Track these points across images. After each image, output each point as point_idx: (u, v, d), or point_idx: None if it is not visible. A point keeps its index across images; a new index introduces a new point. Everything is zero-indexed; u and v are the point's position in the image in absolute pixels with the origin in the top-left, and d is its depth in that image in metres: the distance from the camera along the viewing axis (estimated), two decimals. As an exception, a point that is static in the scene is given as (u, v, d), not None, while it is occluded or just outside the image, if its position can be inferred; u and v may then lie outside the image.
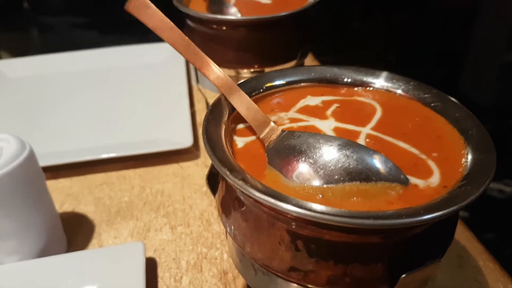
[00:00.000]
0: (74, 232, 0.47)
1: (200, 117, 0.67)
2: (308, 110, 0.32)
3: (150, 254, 0.44)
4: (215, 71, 0.31)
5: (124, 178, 0.55)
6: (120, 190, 0.53)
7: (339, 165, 0.25)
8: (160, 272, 0.42)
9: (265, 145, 0.28)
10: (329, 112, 0.32)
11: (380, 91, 0.34)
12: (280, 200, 0.22)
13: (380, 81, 0.34)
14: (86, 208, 0.51)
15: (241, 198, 0.26)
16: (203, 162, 0.58)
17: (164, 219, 0.49)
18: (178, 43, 0.32)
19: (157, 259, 0.44)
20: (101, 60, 0.81)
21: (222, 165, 0.24)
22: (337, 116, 0.31)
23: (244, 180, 0.23)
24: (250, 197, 0.25)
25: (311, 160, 0.25)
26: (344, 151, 0.25)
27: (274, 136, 0.28)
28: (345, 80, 0.34)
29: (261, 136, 0.29)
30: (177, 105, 0.66)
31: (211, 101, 0.66)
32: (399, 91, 0.33)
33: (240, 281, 0.41)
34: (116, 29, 1.33)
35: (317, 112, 0.32)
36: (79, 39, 1.32)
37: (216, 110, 0.30)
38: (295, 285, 0.26)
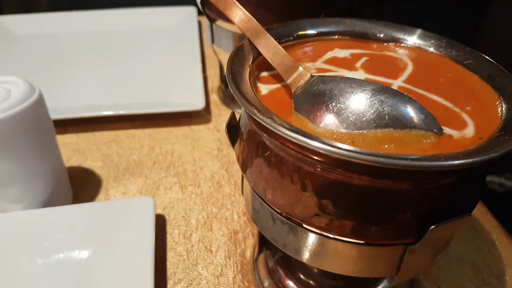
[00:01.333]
0: (80, 187, 0.47)
1: (212, 82, 0.66)
2: (336, 62, 0.31)
3: (159, 211, 0.44)
4: (240, 13, 0.30)
5: (133, 137, 0.54)
6: (129, 148, 0.52)
7: (373, 110, 0.23)
8: (169, 229, 0.42)
9: (292, 91, 0.27)
10: (358, 64, 0.30)
11: (411, 47, 0.32)
12: (311, 138, 0.20)
13: (411, 38, 0.32)
14: (93, 163, 0.50)
15: (266, 142, 0.25)
16: (215, 127, 0.57)
17: (174, 178, 0.48)
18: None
19: (166, 216, 0.43)
20: (112, 21, 0.79)
21: (249, 104, 0.23)
22: (367, 68, 0.30)
23: (272, 119, 0.22)
24: (277, 137, 0.23)
25: (342, 106, 0.24)
26: (378, 96, 0.24)
27: (302, 82, 0.27)
28: (376, 34, 0.33)
29: (288, 81, 0.27)
30: (190, 68, 0.65)
31: (225, 66, 0.65)
32: (431, 48, 0.32)
33: (250, 241, 0.41)
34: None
35: (346, 64, 0.30)
36: (90, 0, 1.29)
37: (240, 53, 0.29)
38: (316, 234, 0.25)
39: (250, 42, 0.30)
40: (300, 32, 0.33)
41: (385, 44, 0.33)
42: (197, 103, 0.56)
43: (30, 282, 0.35)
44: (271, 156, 0.25)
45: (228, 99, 0.62)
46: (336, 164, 0.22)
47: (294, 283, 0.36)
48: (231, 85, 0.25)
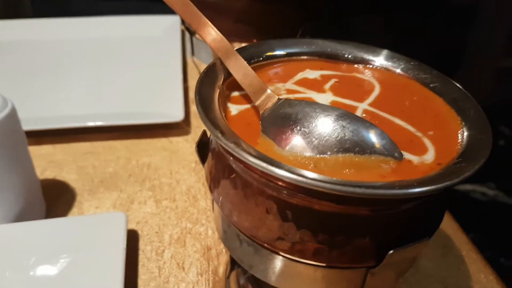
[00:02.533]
0: (54, 200, 0.46)
1: (193, 93, 0.66)
2: (306, 83, 0.31)
3: (132, 226, 0.43)
4: (212, 33, 0.30)
5: (110, 148, 0.54)
6: (105, 160, 0.52)
7: (334, 136, 0.24)
8: (141, 245, 0.41)
9: (260, 113, 0.27)
10: (327, 86, 0.31)
11: (380, 69, 0.33)
12: (272, 165, 0.21)
13: (380, 59, 0.33)
14: (68, 176, 0.49)
15: (231, 164, 0.25)
16: (193, 139, 0.56)
17: (149, 192, 0.47)
18: (175, 1, 0.30)
19: (139, 232, 0.43)
20: (94, 29, 0.79)
21: (214, 127, 0.23)
22: (335, 90, 0.30)
23: (236, 143, 0.22)
24: (241, 161, 0.24)
25: (306, 130, 0.24)
26: (340, 121, 0.24)
27: (270, 104, 0.27)
28: (346, 56, 0.33)
29: (257, 103, 0.28)
30: (170, 79, 0.65)
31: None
32: (399, 70, 0.32)
33: (223, 257, 0.41)
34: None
35: (315, 85, 0.31)
36: (72, 7, 1.28)
37: (211, 73, 0.29)
38: (280, 256, 0.25)
39: (222, 62, 0.30)
40: (272, 53, 0.33)
41: (355, 65, 0.34)
42: (176, 115, 0.56)
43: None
44: (236, 178, 0.25)
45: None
46: (297, 190, 0.22)
47: (265, 300, 0.36)
48: (198, 107, 0.25)
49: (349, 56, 0.33)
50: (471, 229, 0.46)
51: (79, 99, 0.61)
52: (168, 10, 0.93)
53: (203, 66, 0.62)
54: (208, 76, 0.29)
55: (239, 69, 0.29)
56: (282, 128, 0.25)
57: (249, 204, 0.25)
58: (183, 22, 0.54)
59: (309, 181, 0.20)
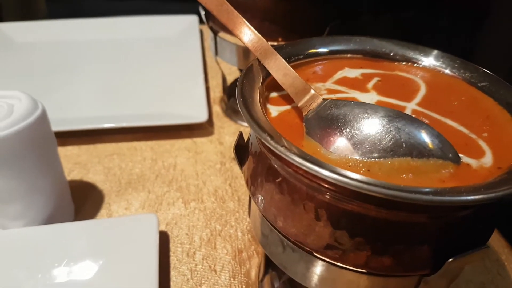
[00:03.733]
0: (82, 201, 0.46)
1: (214, 93, 0.65)
2: (347, 82, 0.30)
3: (162, 227, 0.43)
4: (250, 33, 0.29)
5: (135, 149, 0.53)
6: (131, 162, 0.51)
7: (389, 138, 0.23)
8: (172, 246, 0.41)
9: (303, 115, 0.26)
10: (369, 85, 0.30)
11: (422, 67, 0.32)
12: (328, 170, 0.20)
13: (423, 57, 0.32)
14: (95, 177, 0.49)
15: (277, 168, 0.24)
16: (217, 139, 0.56)
17: (177, 193, 0.47)
18: (210, 0, 0.29)
19: (169, 233, 0.42)
20: (113, 30, 0.79)
21: (262, 130, 0.22)
22: (379, 89, 0.29)
23: (286, 147, 0.21)
24: (291, 165, 0.23)
25: (356, 131, 0.23)
26: (395, 123, 0.23)
27: (314, 105, 0.26)
28: (386, 53, 0.32)
29: (299, 104, 0.27)
30: (192, 79, 0.64)
31: (228, 78, 0.64)
32: (443, 69, 0.31)
33: (255, 260, 0.40)
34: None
35: (357, 84, 0.30)
36: (88, 8, 1.28)
37: (250, 74, 0.28)
38: (329, 264, 0.25)
39: (260, 62, 0.29)
40: (310, 51, 0.32)
41: (396, 63, 0.32)
42: (200, 116, 0.55)
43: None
44: (283, 182, 0.24)
45: (230, 111, 0.61)
46: (351, 195, 0.21)
47: (301, 305, 0.35)
48: (242, 110, 0.24)
49: (391, 54, 0.32)
50: (510, 231, 0.44)
51: (101, 100, 0.60)
52: (183, 10, 0.92)
53: (225, 67, 0.62)
54: (247, 77, 0.28)
55: (279, 69, 0.28)
56: (330, 130, 0.24)
57: (297, 209, 0.24)
58: (207, 21, 0.53)
59: (369, 186, 0.19)
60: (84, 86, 0.64)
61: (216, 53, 0.55)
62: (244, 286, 0.37)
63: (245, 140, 0.30)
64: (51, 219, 0.40)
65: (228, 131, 0.58)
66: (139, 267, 0.36)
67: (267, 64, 0.28)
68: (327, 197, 0.22)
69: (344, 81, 0.30)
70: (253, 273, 0.39)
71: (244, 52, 0.52)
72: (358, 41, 0.33)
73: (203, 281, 0.38)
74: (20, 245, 0.38)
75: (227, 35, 0.52)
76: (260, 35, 0.29)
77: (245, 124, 0.59)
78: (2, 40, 0.74)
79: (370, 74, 0.31)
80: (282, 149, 0.21)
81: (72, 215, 0.44)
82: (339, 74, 0.31)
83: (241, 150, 0.30)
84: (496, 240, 0.43)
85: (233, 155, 0.48)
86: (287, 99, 0.29)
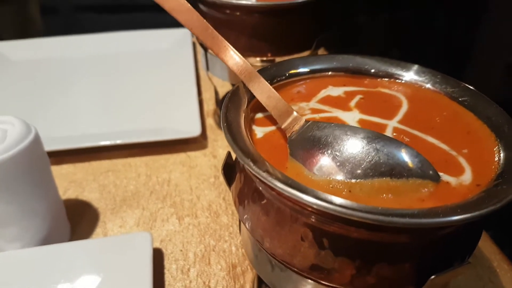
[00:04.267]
0: (78, 220, 0.46)
1: (208, 106, 0.66)
2: (330, 101, 0.31)
3: (156, 244, 0.43)
4: (234, 57, 0.30)
5: (129, 166, 0.54)
6: (126, 178, 0.52)
7: (368, 159, 0.23)
8: (166, 263, 0.41)
9: (287, 136, 0.27)
10: (352, 103, 0.30)
11: (405, 83, 0.32)
12: (309, 195, 0.20)
13: (405, 73, 0.32)
14: (90, 195, 0.49)
15: (262, 190, 0.25)
16: (211, 153, 0.56)
17: (171, 209, 0.47)
18: (195, 26, 0.30)
19: (164, 250, 0.43)
20: (106, 45, 0.79)
21: (244, 155, 0.23)
22: (361, 107, 0.30)
23: (268, 172, 0.22)
24: (274, 189, 0.23)
25: (337, 153, 0.24)
26: (373, 144, 0.24)
27: (297, 127, 0.27)
28: (368, 70, 0.33)
29: (283, 126, 0.27)
30: (185, 93, 0.65)
31: (220, 90, 0.65)
32: (425, 84, 0.32)
33: (249, 275, 0.40)
34: (120, 13, 1.30)
35: (340, 103, 0.30)
36: (83, 23, 1.29)
37: (235, 97, 0.29)
38: (315, 283, 0.25)
39: (245, 85, 0.30)
40: (293, 71, 0.33)
41: (378, 79, 0.33)
42: (194, 130, 0.56)
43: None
44: (268, 204, 0.25)
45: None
46: (334, 218, 0.22)
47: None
48: (227, 135, 0.25)
49: (373, 71, 0.33)
50: (501, 239, 0.44)
51: (96, 117, 0.61)
52: (176, 23, 0.93)
53: (217, 81, 0.62)
54: (232, 101, 0.29)
55: (263, 92, 0.29)
56: (312, 151, 0.25)
57: (282, 231, 0.24)
58: (197, 37, 0.54)
59: (354, 212, 0.20)
60: (79, 103, 0.64)
61: (208, 68, 0.56)
62: (238, 302, 0.38)
63: (233, 159, 0.31)
64: (47, 240, 0.41)
65: (222, 144, 0.58)
66: (134, 286, 0.36)
67: (251, 86, 0.29)
68: (311, 219, 0.23)
69: (327, 100, 0.31)
70: (248, 288, 0.39)
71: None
72: (341, 59, 0.33)
73: (198, 297, 0.38)
74: (17, 266, 0.38)
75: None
76: (244, 59, 0.30)
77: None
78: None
79: (353, 92, 0.32)
80: (264, 174, 0.22)
81: (68, 235, 0.44)
82: (323, 93, 0.32)
83: (229, 169, 0.30)
84: (488, 247, 0.43)
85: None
86: (272, 120, 0.29)
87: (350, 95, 0.31)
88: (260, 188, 0.25)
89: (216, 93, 0.64)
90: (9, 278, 0.38)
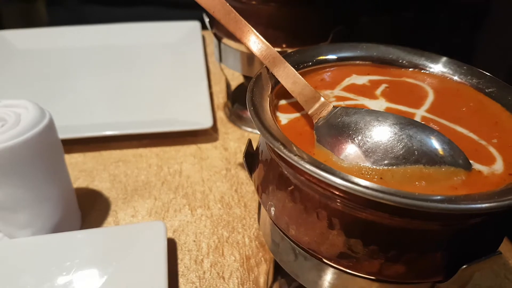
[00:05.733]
0: (89, 209, 0.46)
1: (218, 99, 0.66)
2: (355, 89, 0.30)
3: (169, 235, 0.43)
4: (258, 41, 0.29)
5: (140, 156, 0.53)
6: (137, 168, 0.51)
7: (401, 146, 0.23)
8: (180, 253, 0.41)
9: (314, 122, 0.27)
10: (378, 92, 0.30)
11: (430, 73, 0.32)
12: (343, 179, 0.20)
13: (430, 64, 0.32)
14: (101, 184, 0.49)
15: (290, 176, 0.24)
16: (222, 145, 0.56)
17: (183, 199, 0.47)
18: (218, 9, 0.29)
19: (177, 240, 0.42)
20: (114, 36, 0.79)
21: (274, 139, 0.22)
22: (388, 96, 0.29)
23: (300, 155, 0.21)
24: (304, 174, 0.23)
25: (368, 139, 0.24)
26: (406, 130, 0.23)
27: (324, 113, 0.26)
28: (393, 60, 0.32)
29: (310, 112, 0.27)
30: (195, 85, 0.64)
31: (232, 83, 0.64)
32: (450, 75, 0.31)
33: (263, 267, 0.40)
34: (126, 6, 1.29)
35: (365, 91, 0.30)
36: (88, 16, 1.28)
37: (259, 82, 0.28)
38: (342, 272, 0.25)
39: (268, 71, 0.29)
40: (317, 58, 0.32)
41: (403, 69, 0.33)
42: (205, 122, 0.55)
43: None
44: (295, 191, 0.24)
45: (234, 117, 0.61)
46: (365, 203, 0.21)
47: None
48: (254, 118, 0.24)
49: (398, 60, 0.32)
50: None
51: (105, 107, 0.61)
52: (184, 16, 0.92)
53: (229, 72, 0.62)
54: (257, 86, 0.28)
55: (288, 77, 0.28)
56: (341, 138, 0.24)
57: (309, 218, 0.24)
58: (211, 27, 0.54)
59: (387, 196, 0.19)
60: (88, 93, 0.64)
61: (220, 59, 0.55)
62: (253, 293, 0.37)
63: (254, 148, 0.31)
64: (58, 228, 0.40)
65: (233, 136, 0.58)
66: (147, 275, 0.36)
67: (276, 72, 0.29)
68: (340, 205, 0.22)
69: (352, 88, 0.30)
70: (262, 280, 0.39)
71: (248, 58, 0.53)
72: (364, 48, 0.33)
73: (211, 288, 0.38)
74: (27, 254, 0.38)
75: (231, 41, 0.52)
76: (268, 43, 0.29)
77: (249, 129, 0.59)
78: (5, 47, 0.74)
79: (377, 81, 0.31)
80: (295, 158, 0.21)
81: (79, 223, 0.44)
82: (347, 81, 0.31)
83: (250, 157, 0.30)
84: (503, 245, 0.43)
85: (239, 161, 0.48)
86: (296, 106, 0.29)
87: (375, 84, 0.31)
88: (287, 173, 0.24)
89: (228, 86, 0.64)
90: (20, 265, 0.37)
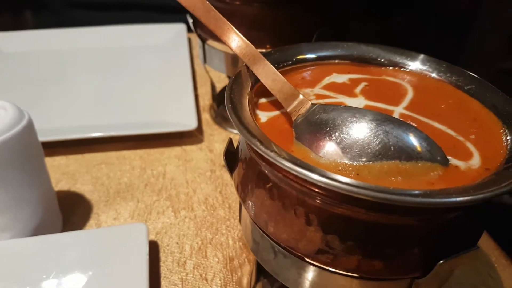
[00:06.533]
0: (70, 212, 0.45)
1: (203, 101, 0.65)
2: (335, 87, 0.30)
3: (152, 237, 0.42)
4: (238, 39, 0.29)
5: (124, 158, 0.53)
6: (120, 171, 0.51)
7: (378, 141, 0.23)
8: (162, 256, 0.40)
9: (293, 120, 0.26)
10: (357, 90, 0.30)
11: (409, 71, 0.32)
12: (319, 174, 0.20)
13: (410, 62, 0.32)
14: (83, 187, 0.48)
15: (268, 173, 0.24)
16: (207, 147, 0.55)
17: (166, 201, 0.46)
18: (198, 7, 0.29)
19: (159, 243, 0.42)
20: (100, 39, 0.78)
21: (251, 136, 0.22)
22: (367, 94, 0.29)
23: (276, 152, 0.21)
24: (282, 170, 0.23)
25: (345, 136, 0.23)
26: (383, 126, 0.23)
27: (303, 110, 0.26)
28: (373, 58, 0.33)
29: (288, 109, 0.27)
30: (181, 87, 0.64)
31: (218, 84, 0.64)
32: (430, 73, 0.32)
33: (247, 268, 0.39)
34: (112, 11, 1.29)
35: (345, 89, 0.30)
36: (75, 18, 1.27)
37: (239, 80, 0.28)
38: (321, 269, 0.24)
39: (248, 69, 0.29)
40: (298, 57, 0.32)
41: (383, 68, 0.33)
42: (190, 123, 0.55)
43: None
44: (273, 188, 0.24)
45: (220, 118, 0.61)
46: (342, 199, 0.21)
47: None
48: (232, 115, 0.24)
49: (378, 59, 0.33)
50: (499, 235, 0.44)
51: (90, 109, 0.60)
52: (170, 19, 0.91)
53: (215, 74, 0.62)
54: (236, 83, 0.28)
55: (268, 75, 0.28)
56: (319, 134, 0.24)
57: (287, 215, 0.24)
58: (195, 28, 0.54)
59: (373, 193, 0.19)
60: (73, 96, 0.63)
61: (205, 60, 0.55)
62: (236, 295, 0.37)
63: (235, 147, 0.30)
64: (38, 231, 0.40)
65: (218, 138, 0.57)
66: (129, 278, 0.35)
67: (256, 70, 0.28)
68: (318, 201, 0.22)
69: (332, 86, 0.30)
70: (245, 281, 0.38)
71: (233, 59, 0.52)
72: (345, 47, 0.33)
73: (194, 290, 0.37)
74: (7, 257, 0.37)
75: (215, 42, 0.52)
76: (248, 41, 0.29)
77: (235, 131, 0.59)
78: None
79: (357, 79, 0.31)
80: (272, 154, 0.21)
81: (60, 226, 0.43)
82: (327, 80, 0.31)
83: (231, 156, 0.30)
84: (485, 242, 0.43)
85: (223, 162, 0.48)
86: (276, 104, 0.29)
87: (355, 82, 0.31)
88: (266, 171, 0.24)
89: (213, 87, 0.64)
90: (0, 269, 0.36)
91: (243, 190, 0.27)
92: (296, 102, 0.27)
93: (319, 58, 0.33)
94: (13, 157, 0.36)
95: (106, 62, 0.72)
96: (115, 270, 0.36)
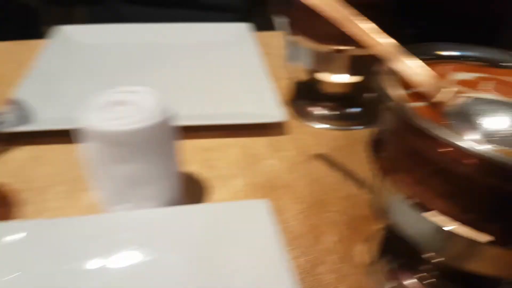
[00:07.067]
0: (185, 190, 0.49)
1: (280, 96, 0.69)
2: (466, 84, 0.34)
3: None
4: (377, 36, 0.33)
5: (226, 146, 0.58)
6: (226, 154, 0.56)
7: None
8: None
9: (442, 110, 0.30)
10: (489, 87, 0.33)
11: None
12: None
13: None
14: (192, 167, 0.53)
15: (427, 152, 0.28)
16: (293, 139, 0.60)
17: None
18: (332, 9, 0.34)
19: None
20: (165, 36, 0.83)
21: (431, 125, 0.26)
22: (500, 91, 0.33)
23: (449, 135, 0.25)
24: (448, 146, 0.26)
25: (499, 128, 0.28)
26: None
27: (449, 102, 0.30)
28: (500, 61, 0.36)
29: (435, 100, 0.31)
30: (257, 82, 0.68)
31: (295, 80, 0.68)
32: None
33: (366, 244, 0.44)
34: (164, 8, 1.33)
35: (477, 86, 0.33)
36: (130, 15, 1.32)
37: (382, 76, 0.32)
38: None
39: (387, 64, 0.33)
40: (432, 54, 0.36)
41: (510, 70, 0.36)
42: (277, 115, 0.60)
43: (162, 276, 0.38)
44: (438, 170, 0.28)
45: (298, 114, 0.65)
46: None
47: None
48: (401, 107, 0.29)
49: (504, 62, 0.36)
50: None
51: (182, 99, 0.64)
52: (222, 19, 0.93)
53: (292, 70, 0.65)
54: (382, 79, 0.32)
55: (410, 67, 0.32)
56: (474, 125, 0.28)
57: (457, 193, 0.28)
58: (281, 28, 0.58)
59: None
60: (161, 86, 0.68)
61: (290, 58, 0.60)
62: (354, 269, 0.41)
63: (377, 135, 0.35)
64: (177, 201, 0.45)
65: (301, 130, 0.62)
66: (262, 247, 0.39)
67: (396, 64, 0.32)
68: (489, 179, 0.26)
69: (463, 83, 0.34)
70: (365, 257, 0.42)
71: (319, 56, 0.57)
72: (471, 49, 0.37)
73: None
74: (156, 224, 0.41)
75: (302, 39, 0.56)
76: (387, 36, 0.33)
77: (313, 125, 0.63)
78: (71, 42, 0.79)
79: (487, 78, 0.34)
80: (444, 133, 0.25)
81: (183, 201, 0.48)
82: (457, 76, 0.35)
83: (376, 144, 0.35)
84: None
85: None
86: (418, 96, 0.33)
87: (485, 80, 0.34)
88: (429, 153, 0.28)
89: (292, 83, 0.68)
90: (150, 235, 0.41)
91: (395, 173, 0.31)
92: (442, 93, 0.31)
93: (450, 57, 0.36)
94: (162, 136, 0.41)
95: (170, 57, 0.77)
96: (247, 244, 0.40)
